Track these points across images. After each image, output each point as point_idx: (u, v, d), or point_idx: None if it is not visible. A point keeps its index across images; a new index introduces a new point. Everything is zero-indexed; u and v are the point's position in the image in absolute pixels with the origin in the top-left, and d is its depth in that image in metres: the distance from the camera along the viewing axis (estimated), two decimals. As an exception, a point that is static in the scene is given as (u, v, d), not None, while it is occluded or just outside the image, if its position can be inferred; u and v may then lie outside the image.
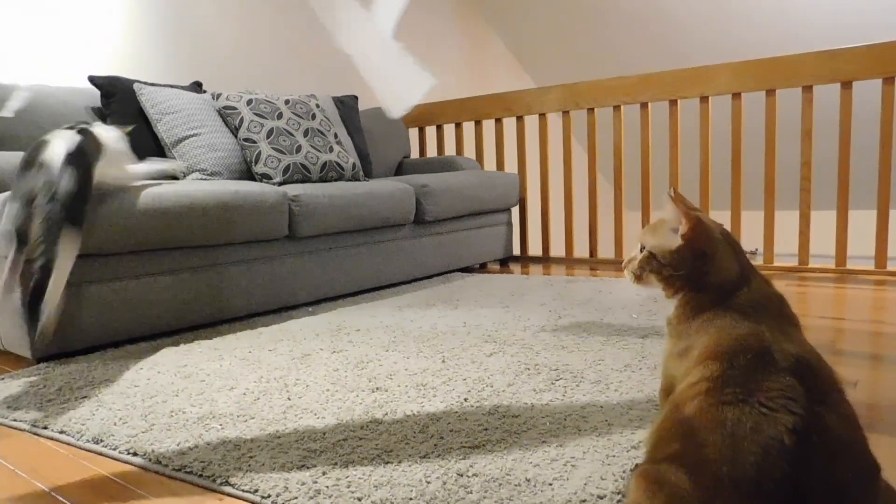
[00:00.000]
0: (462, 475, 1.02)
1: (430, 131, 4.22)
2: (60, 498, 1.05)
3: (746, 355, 0.72)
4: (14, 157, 1.99)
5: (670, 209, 0.89)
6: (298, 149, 2.68)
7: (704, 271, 0.86)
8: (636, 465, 1.01)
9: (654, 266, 0.91)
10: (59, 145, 1.66)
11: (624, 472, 1.01)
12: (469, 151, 4.25)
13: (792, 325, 0.80)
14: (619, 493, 0.95)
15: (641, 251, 0.94)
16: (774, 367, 0.70)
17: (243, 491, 1.01)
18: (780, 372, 0.69)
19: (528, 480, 0.99)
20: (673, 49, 4.64)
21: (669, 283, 0.90)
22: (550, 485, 0.98)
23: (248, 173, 2.61)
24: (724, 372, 0.71)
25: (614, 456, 1.07)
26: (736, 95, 3.06)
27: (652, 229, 0.93)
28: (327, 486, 1.00)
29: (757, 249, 5.28)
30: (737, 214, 3.12)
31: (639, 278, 0.93)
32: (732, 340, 0.75)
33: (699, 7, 4.29)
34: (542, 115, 3.67)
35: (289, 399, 1.42)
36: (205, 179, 2.46)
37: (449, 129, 4.18)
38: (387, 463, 1.08)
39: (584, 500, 0.93)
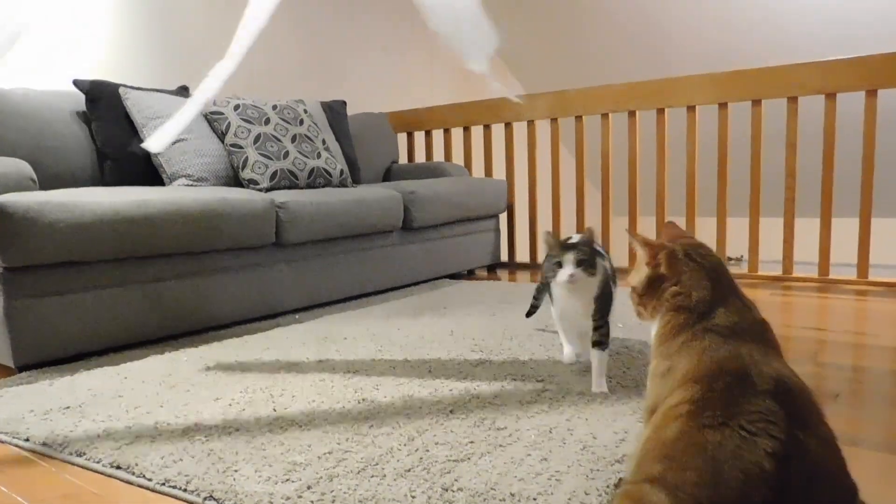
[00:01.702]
0: (447, 489, 1.02)
1: (419, 137, 4.23)
2: (42, 513, 1.04)
3: (726, 378, 0.73)
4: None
5: (635, 244, 0.98)
6: (286, 155, 2.67)
7: (677, 293, 0.90)
8: (619, 479, 1.02)
9: (636, 298, 0.99)
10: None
11: (608, 486, 1.02)
12: (457, 157, 4.25)
13: (772, 349, 0.81)
14: (603, 509, 0.95)
15: (632, 291, 1.02)
16: (754, 390, 0.71)
17: (227, 506, 1.01)
18: (760, 395, 0.70)
19: (513, 495, 1.00)
20: (660, 59, 4.67)
21: (647, 308, 0.96)
22: (535, 500, 0.98)
23: (235, 179, 2.60)
24: (704, 395, 0.71)
25: (599, 470, 1.07)
26: (722, 105, 3.09)
27: (635, 268, 1.01)
28: (312, 501, 1.00)
29: (742, 256, 5.33)
30: (722, 221, 3.14)
31: (638, 314, 1.00)
32: (712, 363, 0.75)
33: (687, 17, 4.33)
34: (531, 122, 3.69)
35: (274, 410, 1.42)
36: (191, 185, 2.45)
37: (437, 135, 4.19)
38: (372, 476, 1.08)
39: (569, 516, 0.94)
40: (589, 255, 1.45)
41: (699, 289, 0.88)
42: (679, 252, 0.93)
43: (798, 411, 0.70)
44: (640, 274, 0.98)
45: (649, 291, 0.94)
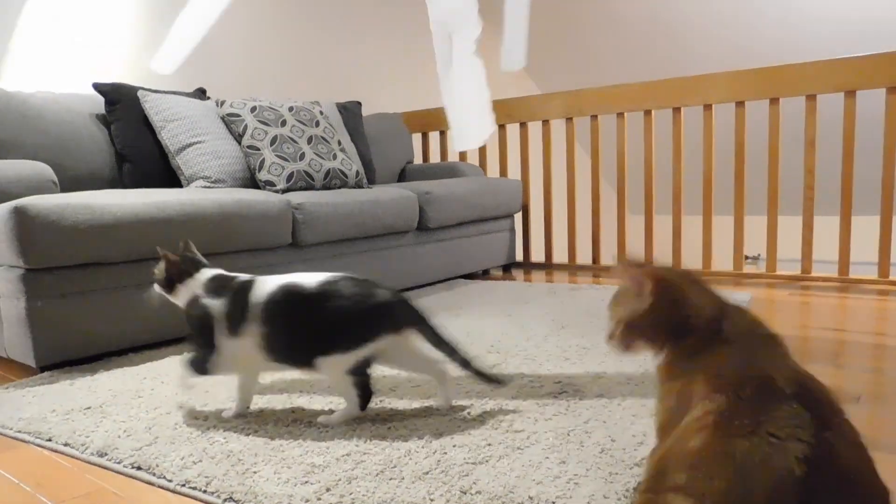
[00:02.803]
0: (465, 492, 1.02)
1: (434, 137, 4.23)
2: (65, 513, 1.05)
3: (751, 386, 0.72)
4: (18, 165, 2.00)
5: (622, 276, 0.90)
6: (302, 156, 2.69)
7: (685, 315, 0.86)
8: (639, 483, 1.01)
9: (638, 332, 0.90)
10: None
11: (627, 490, 1.01)
12: (472, 157, 4.25)
13: (782, 349, 0.80)
14: (622, 513, 0.95)
15: (616, 325, 0.93)
16: (780, 395, 0.70)
17: (247, 507, 1.02)
18: (786, 400, 0.70)
19: (531, 499, 0.99)
20: (677, 57, 4.64)
21: (656, 341, 0.89)
22: (553, 503, 0.98)
23: (251, 181, 2.62)
24: (731, 405, 0.70)
25: (617, 474, 1.07)
26: (739, 104, 3.06)
27: (618, 301, 0.93)
28: (331, 503, 1.00)
29: (759, 255, 5.28)
30: (740, 220, 3.12)
31: (628, 347, 0.92)
32: (734, 372, 0.75)
33: (703, 15, 4.30)
34: (546, 122, 3.68)
35: (292, 412, 1.42)
36: (209, 187, 2.47)
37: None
38: (390, 479, 1.08)
39: (588, 520, 0.93)
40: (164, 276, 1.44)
41: (703, 306, 0.85)
42: (675, 275, 0.88)
43: (823, 413, 0.70)
44: (633, 305, 0.89)
45: (656, 321, 0.87)
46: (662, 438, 0.83)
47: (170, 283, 1.44)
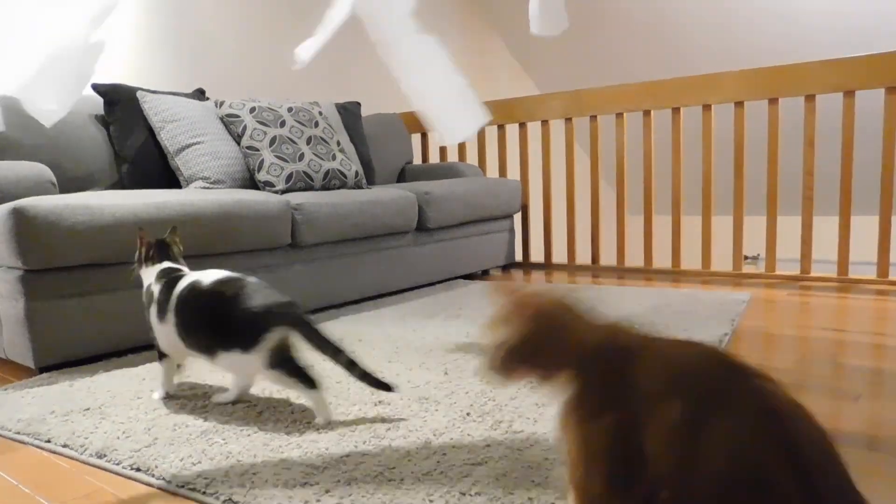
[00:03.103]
0: (465, 494, 1.02)
1: (433, 137, 4.23)
2: (64, 515, 1.05)
3: (695, 381, 0.70)
4: (17, 166, 2.00)
5: (498, 301, 0.86)
6: (301, 157, 2.68)
7: (566, 340, 0.80)
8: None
9: (518, 356, 0.83)
10: None
11: (626, 491, 1.01)
12: (471, 157, 4.25)
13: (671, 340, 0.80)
14: (621, 514, 0.95)
15: (496, 351, 0.85)
16: (719, 377, 0.70)
17: (246, 509, 1.02)
18: (726, 378, 0.69)
19: (531, 500, 0.99)
20: (676, 57, 4.64)
21: (542, 367, 0.83)
22: (553, 505, 0.98)
23: (250, 181, 2.62)
24: (689, 408, 0.68)
25: (617, 475, 1.07)
26: (739, 104, 3.06)
27: (496, 325, 0.86)
28: (330, 505, 1.00)
29: (759, 255, 5.28)
30: (739, 220, 3.12)
31: (508, 372, 0.85)
32: (673, 377, 0.71)
33: (703, 15, 4.30)
34: (545, 122, 3.68)
35: (292, 413, 1.42)
36: (208, 188, 2.47)
37: (451, 135, 4.18)
38: (389, 480, 1.08)
39: (587, 521, 0.93)
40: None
41: (591, 328, 0.81)
42: (547, 297, 0.84)
43: (756, 374, 0.70)
44: (513, 328, 0.83)
45: (537, 344, 0.81)
46: (593, 479, 0.76)
47: (139, 262, 1.60)
